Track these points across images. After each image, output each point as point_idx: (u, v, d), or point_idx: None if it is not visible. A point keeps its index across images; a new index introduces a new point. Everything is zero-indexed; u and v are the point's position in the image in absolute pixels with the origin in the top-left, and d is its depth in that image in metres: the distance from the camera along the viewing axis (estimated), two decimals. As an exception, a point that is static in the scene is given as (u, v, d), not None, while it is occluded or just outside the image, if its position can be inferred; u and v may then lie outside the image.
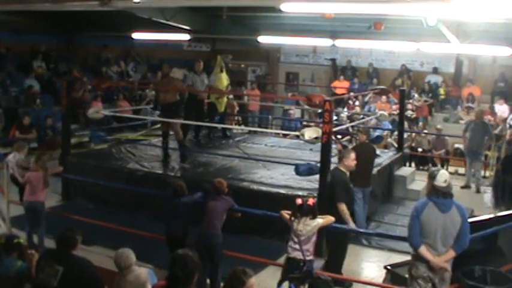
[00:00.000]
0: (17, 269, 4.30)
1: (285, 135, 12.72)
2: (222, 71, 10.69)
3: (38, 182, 7.10)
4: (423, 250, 4.68)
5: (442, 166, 11.66)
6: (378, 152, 9.40)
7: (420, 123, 14.25)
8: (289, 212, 5.58)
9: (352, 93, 15.45)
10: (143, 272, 4.45)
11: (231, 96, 13.16)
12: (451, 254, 4.71)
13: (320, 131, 7.23)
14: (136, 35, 15.80)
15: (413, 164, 12.40)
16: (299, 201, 5.48)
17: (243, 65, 19.30)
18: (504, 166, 9.56)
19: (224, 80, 10.73)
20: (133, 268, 4.53)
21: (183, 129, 10.73)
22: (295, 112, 15.79)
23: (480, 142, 10.30)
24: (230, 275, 3.49)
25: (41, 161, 7.28)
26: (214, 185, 6.19)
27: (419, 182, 9.88)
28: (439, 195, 4.68)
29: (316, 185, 7.34)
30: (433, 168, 5.02)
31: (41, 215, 7.13)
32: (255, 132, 13.14)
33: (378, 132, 12.74)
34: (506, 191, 9.21)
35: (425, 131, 13.38)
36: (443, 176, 4.72)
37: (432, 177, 4.73)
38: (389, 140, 12.93)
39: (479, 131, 10.33)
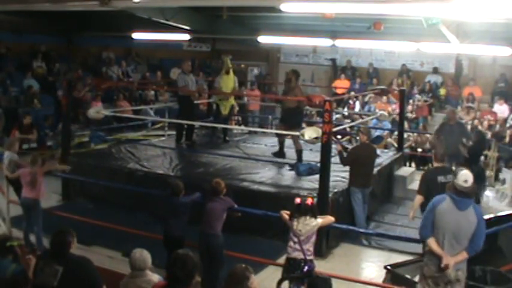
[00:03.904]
0: (12, 271, 4.29)
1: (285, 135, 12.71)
2: (228, 73, 10.59)
3: (27, 178, 7.11)
4: (432, 242, 4.67)
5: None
6: (378, 152, 9.41)
7: (421, 124, 14.26)
8: (289, 212, 5.58)
9: (352, 93, 15.47)
10: (155, 278, 4.42)
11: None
12: (464, 255, 4.68)
13: (320, 131, 7.23)
14: (136, 35, 15.79)
15: (413, 164, 12.40)
16: (297, 200, 5.49)
17: (243, 65, 19.31)
18: (469, 155, 9.49)
19: (229, 81, 10.58)
20: (147, 273, 4.50)
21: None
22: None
23: (457, 144, 9.64)
24: (233, 271, 3.47)
25: (31, 158, 7.30)
26: (212, 185, 6.19)
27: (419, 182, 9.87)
28: (458, 194, 4.67)
29: (316, 185, 7.34)
30: (460, 168, 4.98)
31: (33, 212, 7.11)
32: (255, 132, 13.13)
33: (378, 132, 12.75)
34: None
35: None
36: (463, 176, 4.68)
37: (454, 175, 4.75)
38: (389, 140, 12.94)
39: (454, 133, 9.75)
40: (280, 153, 9.49)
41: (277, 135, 9.52)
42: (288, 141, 11.66)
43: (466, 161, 9.37)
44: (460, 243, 4.66)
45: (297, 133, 8.11)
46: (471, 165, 9.13)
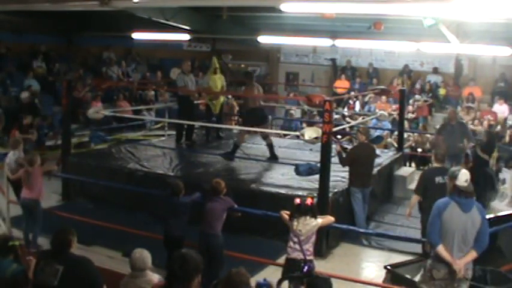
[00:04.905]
0: (13, 271, 4.29)
1: (285, 135, 12.72)
2: (215, 73, 10.64)
3: (25, 178, 7.12)
4: (441, 249, 4.67)
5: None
6: (378, 152, 9.40)
7: (420, 124, 14.27)
8: (289, 212, 5.58)
9: (352, 93, 15.47)
10: (155, 278, 4.42)
11: (230, 96, 13.18)
12: (473, 254, 4.71)
13: (320, 131, 7.23)
14: (136, 35, 15.79)
15: (413, 164, 12.40)
16: (297, 200, 5.48)
17: (243, 65, 19.30)
18: (479, 157, 9.53)
19: (218, 81, 10.65)
20: (147, 273, 4.50)
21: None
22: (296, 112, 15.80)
23: (458, 144, 9.61)
24: (233, 273, 3.46)
25: (29, 158, 7.30)
26: (212, 185, 6.19)
27: (419, 182, 9.88)
28: (461, 195, 4.67)
29: (316, 185, 7.34)
30: (454, 168, 4.98)
31: (33, 212, 7.12)
32: (255, 132, 13.11)
33: (378, 132, 12.74)
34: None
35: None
36: (464, 176, 4.71)
37: (454, 177, 4.73)
38: (389, 140, 12.93)
39: (455, 132, 9.69)
40: (272, 155, 9.61)
41: (263, 138, 9.83)
42: (287, 141, 11.74)
43: (475, 162, 9.37)
44: (468, 244, 4.69)
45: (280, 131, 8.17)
46: (482, 167, 9.19)
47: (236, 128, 13.21)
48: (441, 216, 4.68)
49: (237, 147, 9.57)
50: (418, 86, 16.03)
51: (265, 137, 9.63)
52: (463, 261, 4.66)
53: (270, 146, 9.58)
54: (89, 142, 11.83)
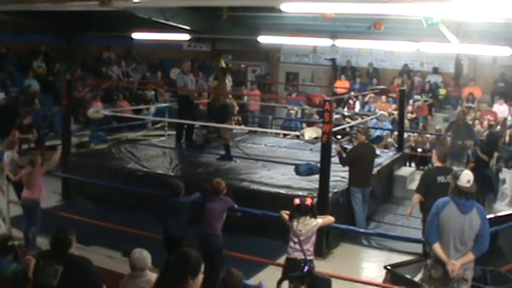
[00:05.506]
0: (12, 270, 4.29)
1: (285, 135, 12.73)
2: None
3: (26, 179, 7.12)
4: (437, 248, 4.67)
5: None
6: (377, 152, 9.39)
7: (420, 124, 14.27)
8: (288, 212, 5.57)
9: (352, 93, 15.48)
10: (154, 278, 4.41)
11: (230, 96, 13.17)
12: (470, 256, 4.68)
13: (320, 131, 7.22)
14: (137, 35, 15.80)
15: (413, 164, 12.40)
16: (297, 201, 5.48)
17: (243, 65, 19.30)
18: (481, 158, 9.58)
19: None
20: (146, 273, 4.50)
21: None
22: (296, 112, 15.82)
23: (463, 145, 9.69)
24: (232, 275, 3.46)
25: (29, 158, 7.31)
26: (212, 185, 6.18)
27: (419, 182, 9.87)
28: (461, 196, 4.66)
29: (316, 185, 7.34)
30: (456, 169, 4.97)
31: (34, 212, 7.12)
32: (255, 132, 13.13)
33: (378, 132, 12.74)
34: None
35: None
36: (466, 176, 4.68)
37: (455, 177, 4.71)
38: (389, 140, 12.93)
39: (461, 133, 9.76)
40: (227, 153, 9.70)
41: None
42: (287, 141, 11.73)
43: (478, 162, 9.39)
44: (465, 245, 4.67)
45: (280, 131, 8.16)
46: (481, 168, 9.19)
47: (236, 128, 13.28)
48: (439, 216, 4.68)
49: (227, 146, 9.57)
50: (417, 85, 16.03)
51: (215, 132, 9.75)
52: (459, 262, 4.64)
53: (226, 146, 9.63)
54: (89, 142, 11.83)
